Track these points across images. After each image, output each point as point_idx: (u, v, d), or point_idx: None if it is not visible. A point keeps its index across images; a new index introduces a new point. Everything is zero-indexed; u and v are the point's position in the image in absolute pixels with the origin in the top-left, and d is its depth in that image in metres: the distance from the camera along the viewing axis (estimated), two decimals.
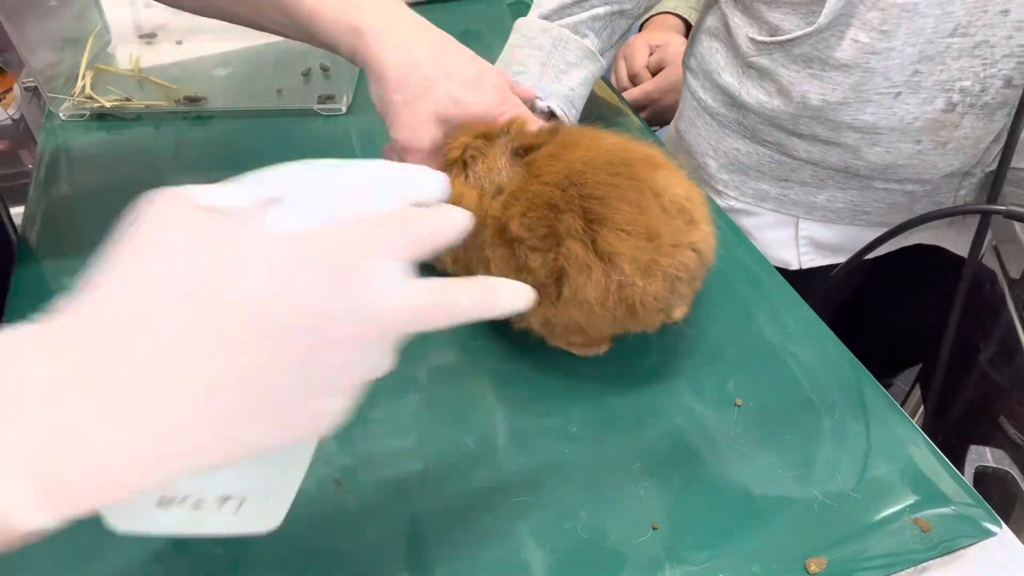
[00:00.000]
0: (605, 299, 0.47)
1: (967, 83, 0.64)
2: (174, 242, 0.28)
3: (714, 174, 0.84)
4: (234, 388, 0.26)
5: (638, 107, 1.17)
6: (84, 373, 0.25)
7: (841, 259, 0.81)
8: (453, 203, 0.50)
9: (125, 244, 0.28)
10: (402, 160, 0.58)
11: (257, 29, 0.60)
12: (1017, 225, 0.69)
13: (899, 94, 0.66)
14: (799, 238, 0.83)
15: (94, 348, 0.26)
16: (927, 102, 0.66)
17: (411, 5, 1.09)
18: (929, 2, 0.62)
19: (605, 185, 0.48)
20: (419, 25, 0.55)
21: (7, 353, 0.25)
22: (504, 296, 0.33)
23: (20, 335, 0.26)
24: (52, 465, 0.24)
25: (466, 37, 1.07)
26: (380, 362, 0.30)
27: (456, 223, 0.32)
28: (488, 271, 0.51)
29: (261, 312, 0.27)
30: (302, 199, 0.30)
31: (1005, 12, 0.61)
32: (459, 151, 0.54)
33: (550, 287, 0.49)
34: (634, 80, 1.19)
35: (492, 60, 1.02)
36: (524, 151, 0.53)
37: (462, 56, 0.56)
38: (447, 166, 0.54)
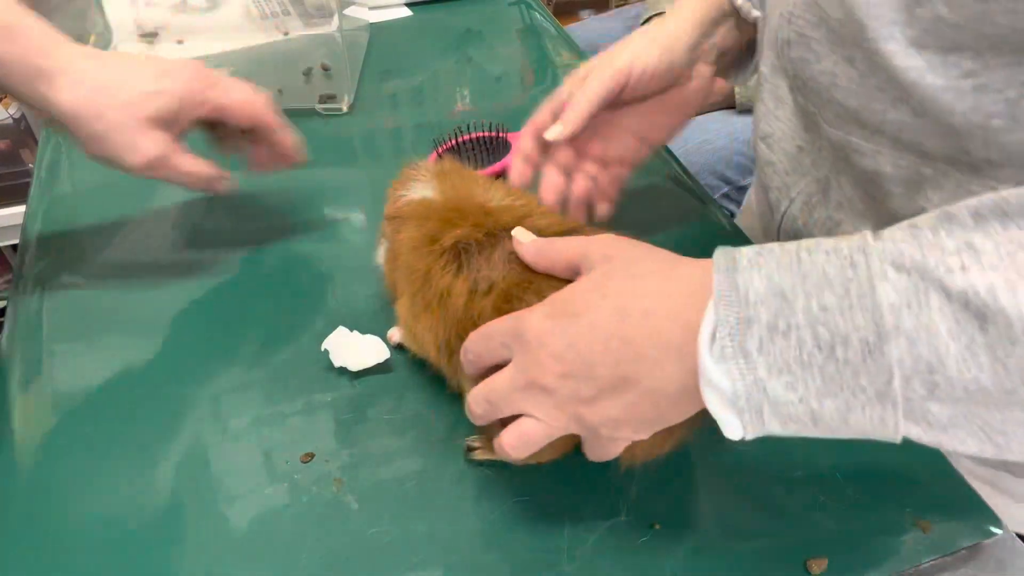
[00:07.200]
0: None
1: None
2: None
3: None
4: None
5: None
6: None
7: None
8: (442, 295, 0.47)
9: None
10: (169, 178, 0.58)
11: None
12: None
13: None
14: None
15: None
16: None
17: (411, 5, 1.10)
18: None
19: None
20: (93, 54, 0.55)
21: None
22: None
23: None
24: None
25: (467, 36, 1.07)
26: None
27: None
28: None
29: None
30: None
31: None
32: (453, 241, 0.47)
33: None
34: None
35: (494, 59, 1.02)
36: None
37: (144, 60, 0.57)
38: (440, 255, 0.48)
